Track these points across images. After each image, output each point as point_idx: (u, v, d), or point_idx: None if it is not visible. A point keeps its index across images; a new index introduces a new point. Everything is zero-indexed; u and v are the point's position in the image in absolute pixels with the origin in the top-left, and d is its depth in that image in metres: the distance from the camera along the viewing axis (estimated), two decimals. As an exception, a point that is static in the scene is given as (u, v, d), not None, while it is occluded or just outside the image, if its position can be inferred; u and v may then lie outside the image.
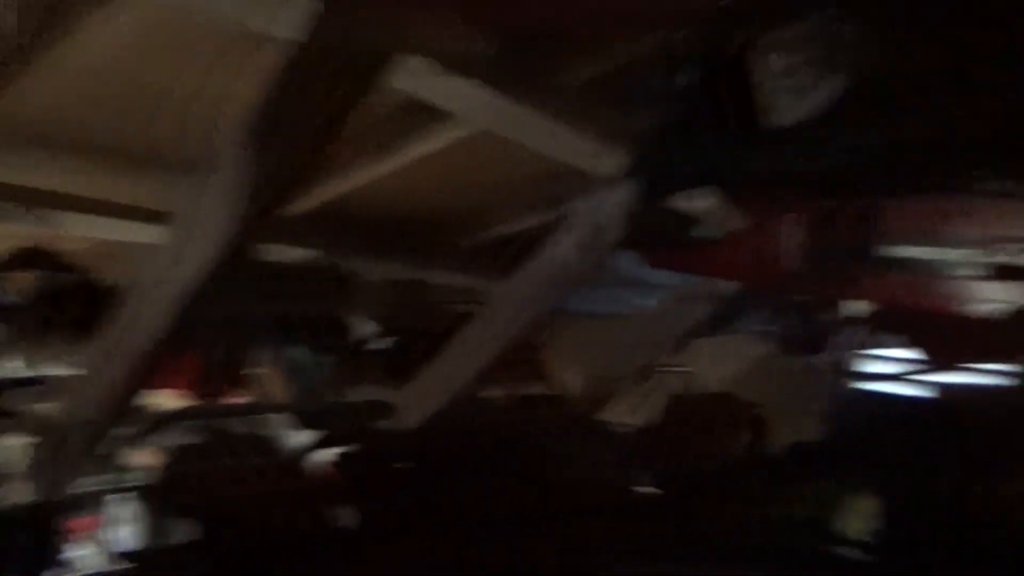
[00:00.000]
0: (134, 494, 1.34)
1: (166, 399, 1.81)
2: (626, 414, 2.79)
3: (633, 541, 1.62)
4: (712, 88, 1.40)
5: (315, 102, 0.91)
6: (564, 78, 1.79)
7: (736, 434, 2.16)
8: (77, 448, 1.29)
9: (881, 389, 3.08)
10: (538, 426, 2.03)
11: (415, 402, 1.99)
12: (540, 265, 1.83)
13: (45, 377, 1.78)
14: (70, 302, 1.77)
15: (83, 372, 1.32)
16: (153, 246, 2.03)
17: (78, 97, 1.55)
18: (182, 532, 1.21)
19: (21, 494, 1.23)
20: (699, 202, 1.85)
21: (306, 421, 1.67)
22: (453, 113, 1.67)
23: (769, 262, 2.03)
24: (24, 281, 1.80)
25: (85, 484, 1.57)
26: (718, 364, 2.91)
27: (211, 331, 1.90)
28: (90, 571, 1.38)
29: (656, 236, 1.54)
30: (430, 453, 1.76)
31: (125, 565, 1.26)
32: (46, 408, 1.47)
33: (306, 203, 1.89)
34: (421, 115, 1.84)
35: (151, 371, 1.28)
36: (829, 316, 2.92)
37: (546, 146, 1.75)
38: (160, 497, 1.25)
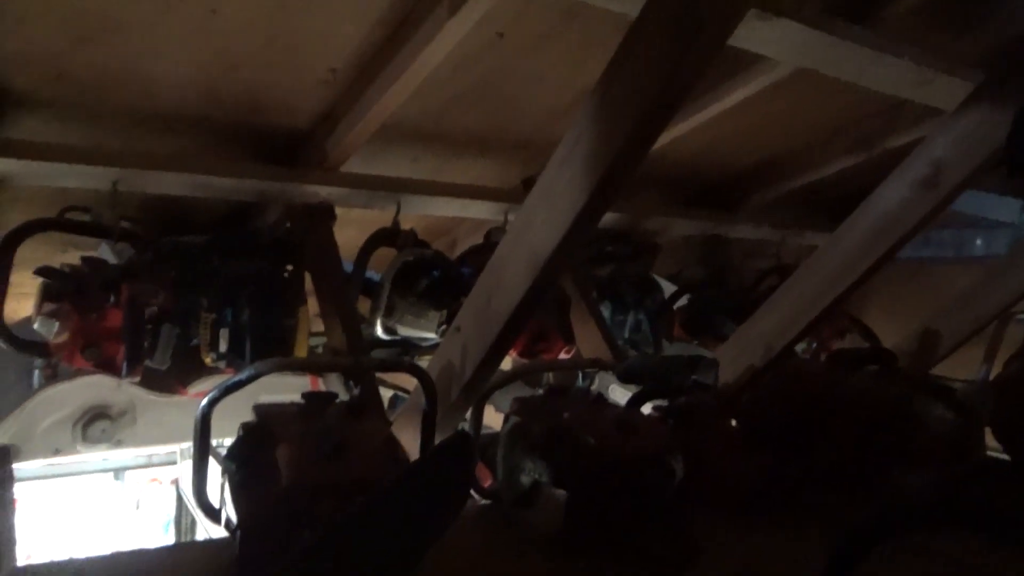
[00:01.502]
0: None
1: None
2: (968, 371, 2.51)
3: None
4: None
5: (662, 69, 0.94)
6: (887, 7, 1.65)
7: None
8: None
9: None
10: (868, 384, 1.88)
11: (734, 359, 1.98)
12: (871, 209, 1.70)
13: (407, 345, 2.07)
14: (423, 274, 2.02)
15: (445, 338, 1.50)
16: (485, 221, 2.28)
17: (433, 95, 1.77)
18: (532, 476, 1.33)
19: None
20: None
21: (634, 376, 1.74)
22: (768, 57, 1.63)
23: None
24: (389, 259, 2.07)
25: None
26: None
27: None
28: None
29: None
30: (764, 409, 1.75)
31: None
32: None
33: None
34: (733, 63, 1.81)
35: (508, 345, 1.42)
36: None
37: (870, 79, 1.62)
38: (511, 442, 1.37)
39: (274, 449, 1.02)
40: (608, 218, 2.43)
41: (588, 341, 2.22)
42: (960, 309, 2.37)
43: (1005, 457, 1.85)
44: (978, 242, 2.99)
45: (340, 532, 0.81)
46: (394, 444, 1.14)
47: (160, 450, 4.09)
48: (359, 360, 1.62)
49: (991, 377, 2.41)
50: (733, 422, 1.84)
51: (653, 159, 1.21)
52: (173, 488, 4.85)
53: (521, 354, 2.17)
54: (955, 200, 1.64)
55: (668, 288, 2.90)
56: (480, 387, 1.36)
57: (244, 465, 1.01)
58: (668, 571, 1.26)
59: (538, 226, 1.16)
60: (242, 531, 1.04)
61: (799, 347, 2.47)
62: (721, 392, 1.88)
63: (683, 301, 2.93)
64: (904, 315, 2.71)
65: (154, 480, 5.44)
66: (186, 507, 4.45)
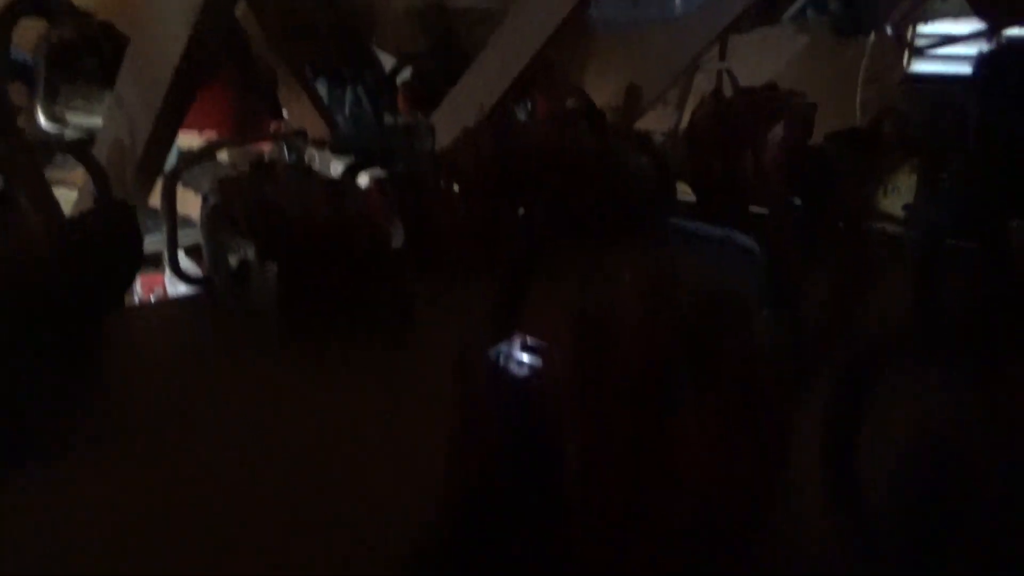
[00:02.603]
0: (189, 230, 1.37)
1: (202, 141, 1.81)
2: (666, 121, 2.73)
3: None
4: None
5: None
6: None
7: (779, 126, 2.11)
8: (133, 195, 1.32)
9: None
10: (578, 139, 1.97)
11: (448, 123, 1.96)
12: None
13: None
14: (86, 51, 1.72)
15: (107, 112, 1.31)
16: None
17: None
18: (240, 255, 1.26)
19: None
20: None
21: (346, 147, 1.67)
22: None
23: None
24: (34, 32, 1.74)
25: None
26: (761, 59, 2.77)
27: (239, 68, 1.85)
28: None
29: None
30: (481, 168, 1.77)
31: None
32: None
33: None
34: None
35: (178, 111, 1.26)
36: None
37: None
38: (213, 224, 1.28)
39: None
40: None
41: (303, 118, 2.08)
42: (658, 64, 2.53)
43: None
44: (677, 2, 3.15)
45: None
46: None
47: None
48: (4, 139, 1.35)
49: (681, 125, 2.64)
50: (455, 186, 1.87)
51: None
52: None
53: (232, 133, 1.99)
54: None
55: (390, 64, 2.78)
56: (158, 164, 1.22)
57: None
58: (388, 331, 1.28)
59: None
60: None
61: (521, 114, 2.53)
62: (438, 157, 1.88)
63: (407, 75, 2.83)
64: (616, 78, 2.84)
65: None
66: None
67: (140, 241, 0.99)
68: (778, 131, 2.13)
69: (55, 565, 0.65)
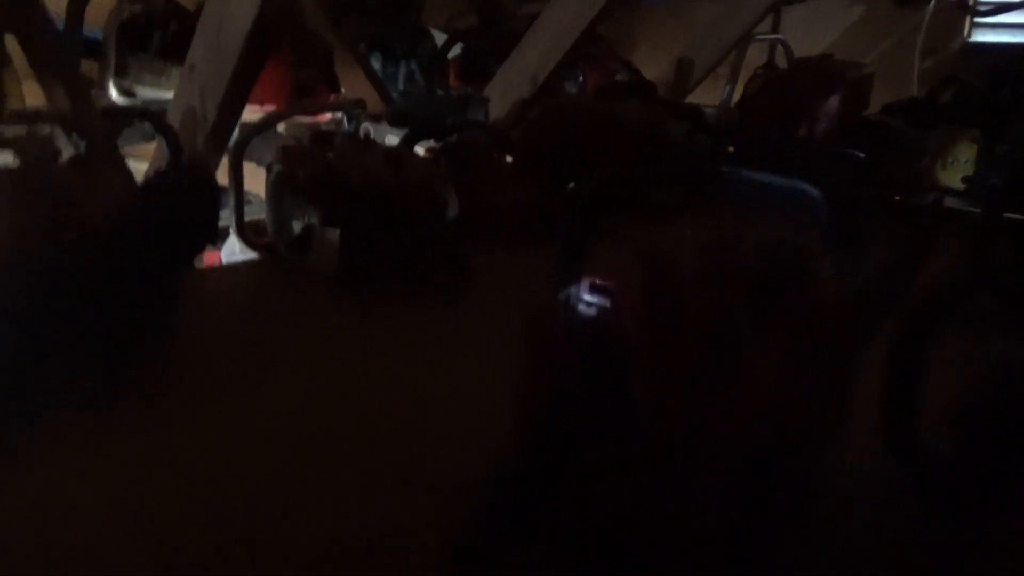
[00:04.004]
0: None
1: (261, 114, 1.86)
2: (717, 95, 2.71)
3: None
4: None
5: None
6: None
7: (835, 97, 2.08)
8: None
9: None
10: (627, 112, 1.98)
11: (501, 96, 1.98)
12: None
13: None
14: (153, 27, 1.78)
15: (179, 81, 1.36)
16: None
17: None
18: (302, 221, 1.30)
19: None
20: None
21: (402, 119, 1.70)
22: None
23: None
24: (103, 11, 1.80)
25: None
26: (815, 30, 2.72)
27: (296, 42, 1.89)
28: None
29: None
30: (533, 140, 1.78)
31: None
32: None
33: None
34: None
35: (249, 78, 1.31)
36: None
37: None
38: (277, 191, 1.31)
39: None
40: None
41: (358, 92, 2.12)
42: (709, 37, 2.50)
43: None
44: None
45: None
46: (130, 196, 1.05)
47: None
48: (81, 109, 1.41)
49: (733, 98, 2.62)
50: (507, 157, 1.89)
51: None
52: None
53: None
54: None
55: (441, 39, 2.80)
56: (227, 132, 1.27)
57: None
58: (443, 292, 1.32)
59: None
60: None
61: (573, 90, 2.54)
62: (492, 128, 1.90)
63: (458, 51, 2.86)
64: (668, 52, 2.83)
65: None
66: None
67: (218, 201, 1.04)
68: (833, 102, 2.11)
69: (116, 514, 0.66)
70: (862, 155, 1.73)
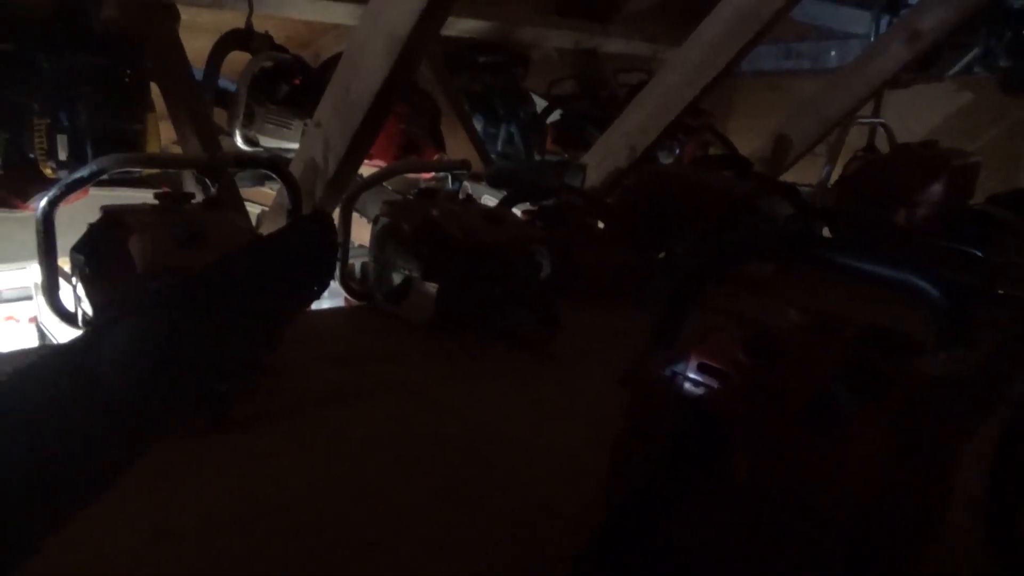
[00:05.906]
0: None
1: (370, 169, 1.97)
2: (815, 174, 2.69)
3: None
4: None
5: None
6: None
7: (938, 184, 2.04)
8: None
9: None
10: (721, 184, 1.99)
11: (599, 163, 2.03)
12: (727, 6, 1.73)
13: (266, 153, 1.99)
14: (284, 81, 1.92)
15: (305, 135, 1.45)
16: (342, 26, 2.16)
17: None
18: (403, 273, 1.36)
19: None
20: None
21: (502, 180, 1.76)
22: None
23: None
24: (235, 64, 1.95)
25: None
26: (918, 115, 2.69)
27: (406, 100, 2.00)
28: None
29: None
30: (628, 208, 1.82)
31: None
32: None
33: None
34: None
35: (372, 134, 1.39)
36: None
37: None
38: (382, 241, 1.37)
39: (126, 240, 0.99)
40: (479, 28, 2.35)
41: (459, 152, 2.22)
42: (809, 115, 2.51)
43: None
44: (832, 53, 3.12)
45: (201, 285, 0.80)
46: (253, 235, 1.13)
47: (12, 283, 3.85)
48: (214, 155, 1.54)
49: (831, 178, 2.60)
50: (600, 224, 1.93)
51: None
52: (33, 327, 4.62)
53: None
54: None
55: (542, 104, 2.90)
56: (344, 184, 1.35)
57: (94, 255, 0.97)
58: (533, 346, 1.35)
59: (393, 7, 1.11)
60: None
61: (666, 160, 2.57)
62: (588, 194, 1.95)
63: (556, 116, 2.95)
64: (764, 127, 2.84)
65: (10, 319, 5.13)
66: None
67: (336, 249, 1.11)
68: (936, 189, 2.07)
69: (216, 520, 0.73)
70: (980, 253, 1.70)
